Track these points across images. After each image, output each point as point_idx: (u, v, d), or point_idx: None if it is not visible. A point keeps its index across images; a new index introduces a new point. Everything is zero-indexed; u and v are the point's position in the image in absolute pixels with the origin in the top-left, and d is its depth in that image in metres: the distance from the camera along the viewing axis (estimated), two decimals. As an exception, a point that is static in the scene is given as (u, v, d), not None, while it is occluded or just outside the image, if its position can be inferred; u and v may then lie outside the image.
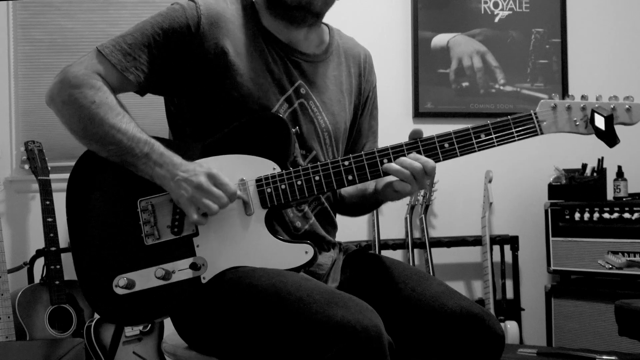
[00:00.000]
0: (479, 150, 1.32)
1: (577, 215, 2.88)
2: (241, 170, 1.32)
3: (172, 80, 1.38)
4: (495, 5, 3.24)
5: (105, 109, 1.29)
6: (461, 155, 1.31)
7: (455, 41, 3.22)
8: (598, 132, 1.29)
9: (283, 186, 1.31)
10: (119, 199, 1.33)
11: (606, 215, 2.82)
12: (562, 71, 3.27)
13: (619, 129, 1.31)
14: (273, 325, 1.18)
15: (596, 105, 1.30)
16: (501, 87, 3.25)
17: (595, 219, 2.84)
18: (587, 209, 2.86)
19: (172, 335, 1.50)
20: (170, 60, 1.36)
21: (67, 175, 3.01)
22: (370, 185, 1.47)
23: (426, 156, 1.31)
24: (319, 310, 1.13)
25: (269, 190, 1.31)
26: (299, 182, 1.32)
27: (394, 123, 3.08)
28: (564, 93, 3.27)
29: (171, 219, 1.31)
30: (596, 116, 1.29)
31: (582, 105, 1.31)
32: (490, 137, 1.31)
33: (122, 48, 1.33)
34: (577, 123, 1.32)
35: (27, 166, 2.74)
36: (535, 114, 1.32)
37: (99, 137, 1.30)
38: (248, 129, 1.35)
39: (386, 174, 1.31)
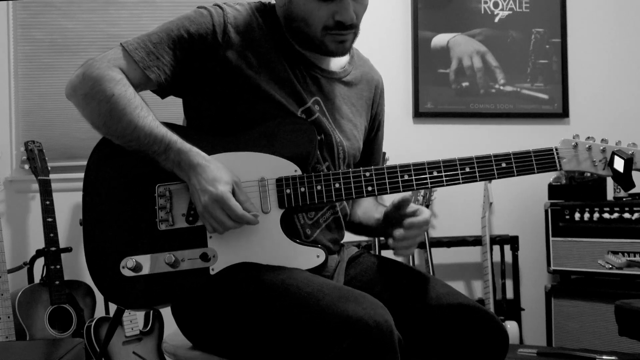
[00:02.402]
0: (498, 177, 1.35)
1: (577, 215, 2.88)
2: (263, 168, 1.34)
3: (193, 83, 1.39)
4: (495, 5, 3.24)
5: (124, 102, 1.29)
6: (480, 180, 1.34)
7: (455, 41, 3.22)
8: (616, 175, 1.33)
9: (302, 189, 1.32)
10: (138, 181, 1.34)
11: (606, 215, 2.82)
12: (562, 71, 3.27)
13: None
14: (283, 319, 1.18)
15: (616, 149, 1.34)
16: (501, 87, 3.25)
17: (595, 219, 2.84)
18: (587, 209, 2.86)
19: (172, 335, 1.50)
20: (193, 63, 1.36)
21: (67, 175, 3.02)
22: (375, 214, 1.52)
23: (446, 178, 1.33)
24: (329, 304, 1.14)
25: (288, 191, 1.32)
26: (319, 187, 1.33)
27: (394, 123, 3.08)
28: (564, 93, 3.27)
29: (187, 207, 1.32)
30: (616, 158, 1.32)
31: (602, 147, 1.35)
32: (511, 166, 1.34)
33: (146, 46, 1.34)
34: (596, 164, 1.35)
35: (27, 166, 2.74)
36: (556, 150, 1.35)
37: (119, 133, 1.31)
38: (274, 130, 1.36)
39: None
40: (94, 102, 1.30)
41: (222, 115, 1.39)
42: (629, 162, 1.31)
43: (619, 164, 1.32)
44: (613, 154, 1.33)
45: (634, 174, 1.34)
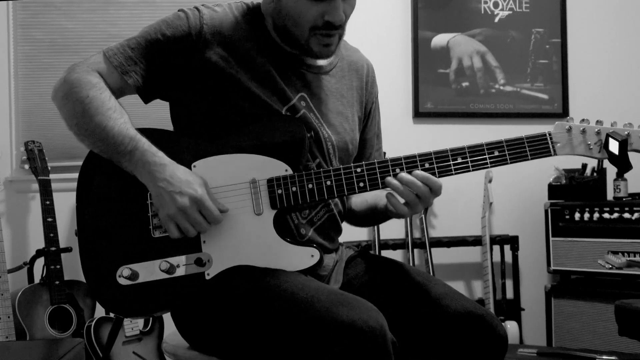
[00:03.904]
0: (491, 166, 1.32)
1: (577, 215, 2.88)
2: (253, 169, 1.33)
3: (173, 86, 1.40)
4: (495, 5, 3.24)
5: (97, 103, 1.31)
6: (474, 170, 1.32)
7: (455, 41, 3.22)
8: (611, 157, 1.30)
9: (294, 188, 1.32)
10: (131, 189, 1.34)
11: (606, 215, 2.82)
12: (562, 71, 3.27)
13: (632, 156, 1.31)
14: (277, 324, 1.18)
15: (611, 130, 1.31)
16: (501, 87, 3.25)
17: (595, 219, 2.84)
18: (587, 209, 2.86)
19: (172, 335, 1.50)
20: (171, 67, 1.37)
21: (67, 175, 3.01)
22: (382, 200, 1.47)
23: (438, 169, 1.31)
24: (323, 309, 1.13)
25: (279, 191, 1.32)
26: (310, 186, 1.32)
27: (394, 123, 3.08)
28: (564, 93, 3.27)
29: None
30: (610, 140, 1.29)
31: (597, 129, 1.32)
32: (504, 154, 1.32)
33: (125, 52, 1.36)
34: (591, 147, 1.32)
35: (27, 166, 2.74)
36: (550, 134, 1.32)
37: (89, 133, 1.32)
38: (264, 131, 1.36)
39: (386, 187, 1.31)
40: (70, 103, 1.33)
41: (208, 117, 1.39)
42: (623, 144, 1.28)
43: (613, 146, 1.29)
44: (607, 136, 1.30)
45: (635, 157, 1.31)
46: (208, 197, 1.28)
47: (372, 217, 1.55)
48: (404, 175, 1.29)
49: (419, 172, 1.30)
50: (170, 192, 1.27)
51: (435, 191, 1.30)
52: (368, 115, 1.59)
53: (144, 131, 1.34)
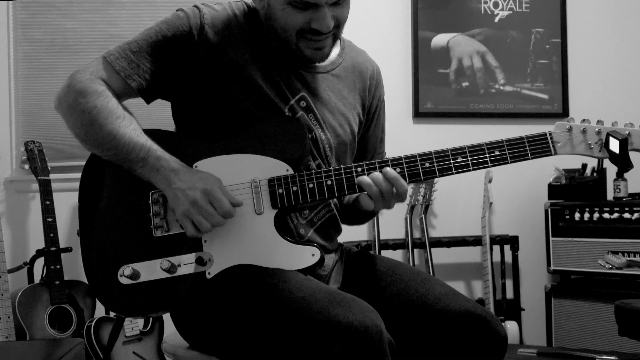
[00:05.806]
0: (492, 165, 1.32)
1: (577, 215, 2.88)
2: (254, 169, 1.34)
3: (176, 86, 1.40)
4: (495, 5, 3.24)
5: (106, 113, 1.31)
6: (474, 169, 1.32)
7: (455, 41, 3.22)
8: (612, 156, 1.30)
9: (295, 188, 1.32)
10: (132, 189, 1.34)
11: (606, 215, 2.82)
12: (562, 71, 3.27)
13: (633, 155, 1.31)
14: (275, 325, 1.18)
15: (611, 130, 1.31)
16: (501, 87, 3.25)
17: (595, 219, 2.84)
18: (587, 209, 2.86)
19: (172, 335, 1.50)
20: (173, 67, 1.37)
21: (67, 175, 3.01)
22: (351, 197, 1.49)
23: (439, 168, 1.31)
24: (320, 310, 1.13)
25: (280, 191, 1.32)
26: (311, 185, 1.32)
27: (393, 123, 3.07)
28: (564, 93, 3.27)
29: None
30: (611, 140, 1.29)
31: (597, 129, 1.32)
32: (504, 153, 1.32)
33: (127, 55, 1.36)
34: (592, 146, 1.32)
35: (27, 166, 2.74)
36: (550, 134, 1.32)
37: (99, 142, 1.32)
38: (265, 131, 1.36)
39: (360, 187, 1.32)
40: (77, 113, 1.32)
41: (210, 116, 1.39)
42: (623, 143, 1.28)
43: (614, 145, 1.29)
44: (608, 135, 1.30)
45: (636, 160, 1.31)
46: (219, 190, 1.28)
47: (348, 211, 1.55)
48: (375, 173, 1.31)
49: (390, 170, 1.30)
50: (184, 190, 1.27)
51: (399, 193, 1.31)
52: (371, 119, 1.58)
53: (144, 132, 1.34)
